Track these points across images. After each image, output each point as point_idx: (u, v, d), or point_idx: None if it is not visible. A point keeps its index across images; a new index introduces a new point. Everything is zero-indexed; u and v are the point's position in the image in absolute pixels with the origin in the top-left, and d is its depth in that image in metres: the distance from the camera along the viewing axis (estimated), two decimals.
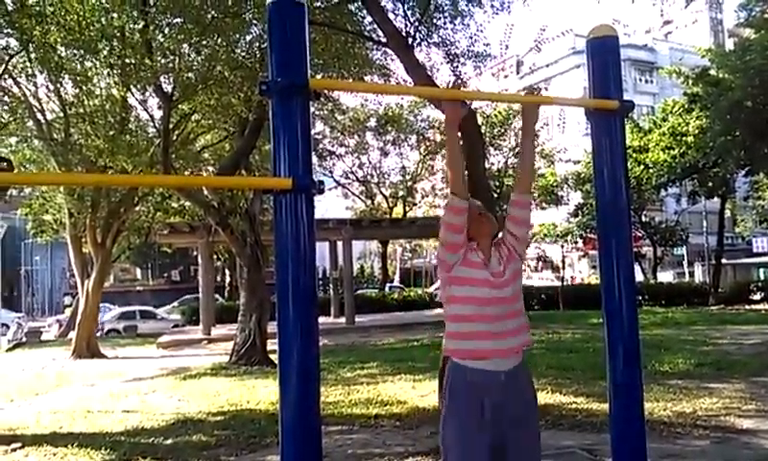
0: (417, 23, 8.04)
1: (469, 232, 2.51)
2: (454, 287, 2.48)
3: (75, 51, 12.05)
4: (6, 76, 13.67)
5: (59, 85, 15.15)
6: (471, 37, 10.68)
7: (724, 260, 29.27)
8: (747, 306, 24.09)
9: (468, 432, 2.37)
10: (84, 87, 13.83)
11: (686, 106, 25.61)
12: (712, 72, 22.66)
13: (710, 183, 26.24)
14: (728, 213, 31.00)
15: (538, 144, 28.76)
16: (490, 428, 2.37)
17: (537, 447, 2.52)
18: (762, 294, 25.35)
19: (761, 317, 18.78)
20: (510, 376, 2.42)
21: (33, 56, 13.06)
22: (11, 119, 15.96)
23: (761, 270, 32.36)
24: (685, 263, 39.50)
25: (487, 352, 2.40)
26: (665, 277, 34.30)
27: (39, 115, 16.24)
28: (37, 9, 10.68)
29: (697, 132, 24.04)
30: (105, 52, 11.51)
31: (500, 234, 2.63)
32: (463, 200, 2.43)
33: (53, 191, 18.18)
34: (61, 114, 16.02)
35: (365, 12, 9.29)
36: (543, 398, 7.39)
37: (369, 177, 32.98)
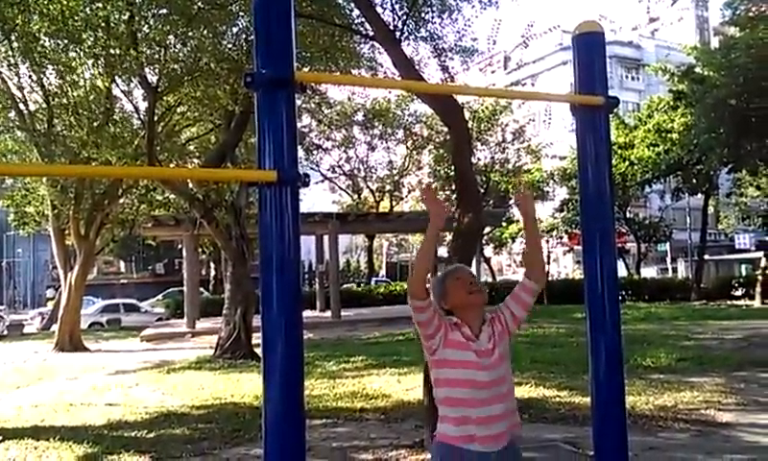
0: (405, 17, 8.01)
1: (456, 303, 2.43)
2: (438, 370, 2.39)
3: (58, 41, 11.89)
4: None
5: (42, 76, 14.95)
6: (459, 32, 10.66)
7: (706, 256, 29.60)
8: (729, 302, 24.41)
9: None
10: (67, 78, 13.66)
11: (672, 103, 25.82)
12: (698, 70, 22.84)
13: (694, 180, 26.49)
14: (711, 210, 31.30)
15: (524, 140, 28.88)
16: None
17: None
18: (744, 290, 25.68)
19: (742, 312, 19.04)
20: (501, 455, 2.33)
21: (15, 45, 12.89)
22: None
23: (743, 266, 32.74)
24: (669, 259, 39.87)
25: (476, 439, 2.30)
26: (649, 272, 34.61)
27: (22, 106, 16.03)
28: None
29: (682, 129, 24.24)
30: (89, 42, 11.36)
31: (498, 307, 2.52)
32: (422, 299, 2.34)
33: (35, 182, 17.95)
34: (45, 105, 15.82)
35: (352, 4, 9.25)
36: (527, 391, 7.45)
37: (355, 171, 32.93)
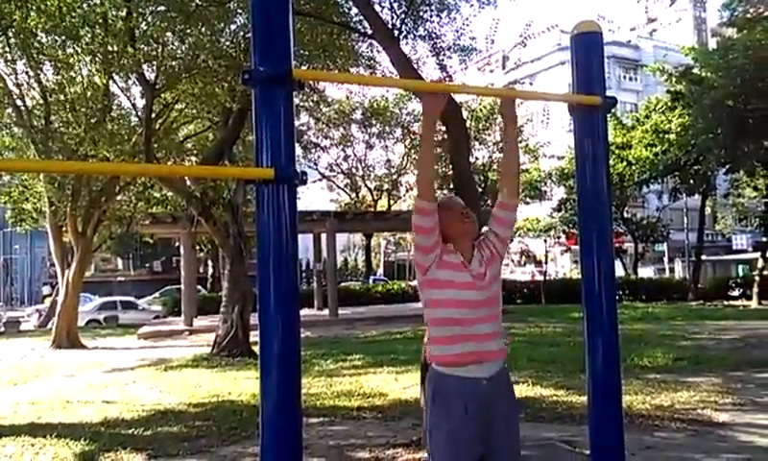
0: (403, 15, 8.01)
1: (450, 232, 2.45)
2: (432, 290, 2.42)
3: (56, 37, 11.86)
4: None
5: (39, 72, 14.91)
6: (458, 31, 10.67)
7: (704, 257, 29.66)
8: (725, 302, 24.48)
9: (454, 439, 2.35)
10: (65, 74, 13.63)
11: (669, 104, 25.87)
12: (695, 71, 22.90)
13: (692, 181, 26.55)
14: (708, 210, 31.39)
15: (522, 140, 28.88)
16: (477, 435, 2.35)
17: (519, 449, 2.51)
18: (741, 290, 25.75)
19: (739, 313, 19.08)
20: (492, 382, 2.38)
21: (12, 41, 12.84)
22: None
23: (740, 267, 32.83)
24: (666, 259, 39.96)
25: (469, 356, 2.35)
26: (646, 272, 34.68)
27: (19, 102, 15.98)
28: None
29: (679, 129, 24.29)
30: (86, 39, 11.34)
31: (483, 231, 2.58)
32: (430, 201, 2.37)
33: (33, 179, 17.91)
34: (42, 101, 15.78)
35: (351, 2, 9.25)
36: (524, 390, 7.46)
37: (353, 169, 32.94)
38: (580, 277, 2.56)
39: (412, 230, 2.45)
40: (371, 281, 32.75)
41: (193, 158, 18.65)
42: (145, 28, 10.98)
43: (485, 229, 2.60)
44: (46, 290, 33.80)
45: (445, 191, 28.03)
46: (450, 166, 6.45)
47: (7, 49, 13.51)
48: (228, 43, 11.29)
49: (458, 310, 2.36)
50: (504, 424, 2.42)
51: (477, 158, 26.27)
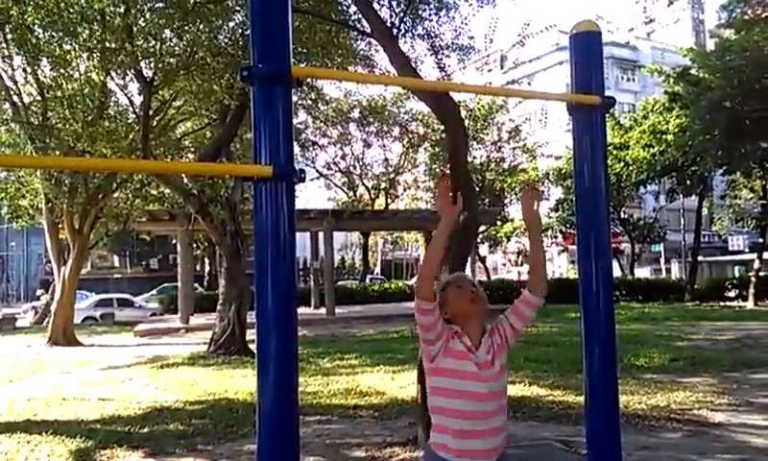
0: (402, 14, 8.00)
1: (458, 312, 2.37)
2: (436, 378, 2.33)
3: (53, 33, 11.82)
4: None
5: (36, 68, 14.86)
6: (456, 30, 10.66)
7: (700, 258, 29.71)
8: (722, 303, 24.53)
9: None
10: (62, 71, 13.58)
11: (667, 104, 25.91)
12: (693, 72, 22.93)
13: (689, 182, 26.60)
14: (705, 211, 31.44)
15: (519, 139, 28.92)
16: None
17: None
18: (737, 291, 25.80)
19: (735, 314, 19.13)
20: None
21: (9, 37, 12.80)
22: None
23: (736, 268, 32.88)
24: (662, 260, 40.04)
25: (465, 453, 2.25)
26: (642, 273, 34.74)
27: (16, 98, 15.94)
28: None
29: (677, 130, 24.33)
30: (84, 35, 11.30)
31: (498, 318, 2.48)
32: (430, 301, 2.29)
33: (29, 175, 17.86)
34: (39, 97, 15.74)
35: (349, 0, 9.25)
36: (521, 390, 7.47)
37: (351, 168, 32.90)
38: (577, 277, 2.55)
39: (415, 325, 2.38)
40: (368, 280, 32.74)
41: (190, 156, 18.62)
42: (143, 24, 10.95)
43: (501, 316, 2.49)
44: (39, 293, 33.58)
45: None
46: (448, 165, 6.44)
47: (4, 45, 13.47)
48: (226, 40, 11.27)
49: (460, 402, 2.27)
50: None
51: (475, 157, 26.26)
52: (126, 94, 15.57)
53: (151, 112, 13.16)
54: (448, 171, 6.49)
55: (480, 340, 2.35)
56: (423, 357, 2.41)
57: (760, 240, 25.56)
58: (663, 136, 25.43)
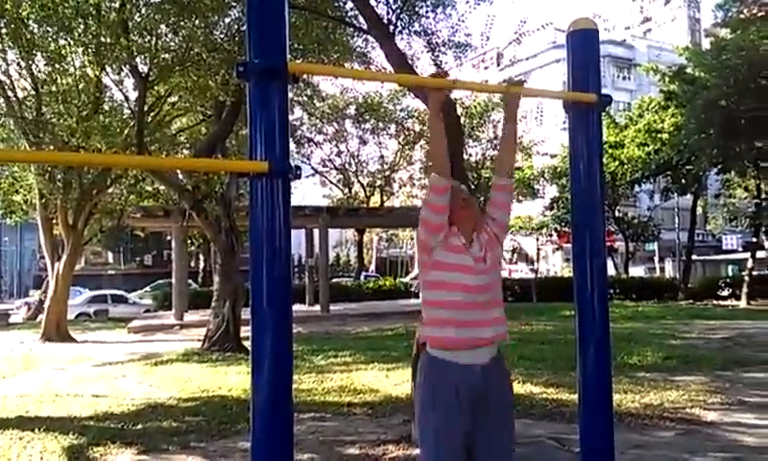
0: (398, 11, 7.99)
1: (452, 217, 2.44)
2: (434, 272, 2.41)
3: (48, 28, 11.76)
4: None
5: (31, 63, 14.78)
6: (453, 27, 10.68)
7: (694, 257, 29.84)
8: (715, 302, 24.63)
9: (443, 427, 2.33)
10: (57, 66, 13.51)
11: (662, 103, 26.00)
12: (689, 70, 23.01)
13: (683, 181, 26.69)
14: (699, 210, 31.56)
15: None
16: (466, 423, 2.33)
17: (511, 442, 2.48)
18: (730, 290, 25.92)
19: (729, 313, 19.20)
20: (486, 369, 2.36)
21: (4, 31, 12.73)
22: None
23: (730, 267, 33.07)
24: (656, 258, 40.16)
25: (465, 342, 2.33)
26: (636, 271, 34.84)
27: (10, 93, 15.85)
28: None
29: (672, 129, 24.41)
30: (79, 30, 11.24)
31: (483, 218, 2.57)
32: (446, 179, 2.38)
33: (23, 170, 17.78)
34: (33, 92, 15.65)
35: None
36: (514, 388, 7.43)
37: (347, 165, 32.89)
38: (571, 275, 2.55)
39: (422, 209, 2.45)
40: (362, 278, 32.74)
41: (185, 152, 18.58)
42: (138, 19, 10.90)
43: (484, 214, 2.59)
44: (32, 293, 33.46)
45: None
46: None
47: None
48: (221, 36, 11.23)
49: (457, 293, 2.35)
50: (495, 414, 2.39)
51: (471, 155, 26.28)
52: (121, 90, 15.53)
53: (146, 108, 13.11)
54: None
55: (471, 238, 2.46)
56: (419, 250, 2.49)
57: (754, 239, 25.67)
58: (658, 135, 25.51)
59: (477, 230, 2.51)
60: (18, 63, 15.37)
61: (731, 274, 30.11)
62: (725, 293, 26.20)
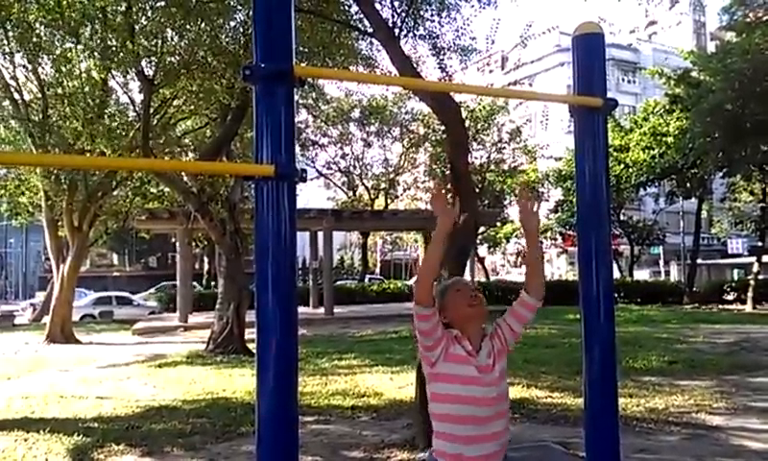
0: (403, 14, 8.00)
1: (457, 316, 2.35)
2: (437, 384, 2.31)
3: (55, 32, 11.82)
4: None
5: (37, 66, 14.85)
6: (458, 31, 10.65)
7: (699, 260, 29.73)
8: (720, 306, 24.53)
9: None
10: (63, 69, 13.58)
11: (668, 107, 25.92)
12: (694, 74, 22.96)
13: (688, 184, 26.61)
14: (704, 214, 31.46)
15: (520, 141, 28.93)
16: None
17: None
18: (735, 294, 25.80)
19: (734, 317, 19.13)
20: None
21: (11, 34, 12.80)
22: None
23: (735, 271, 32.91)
24: (662, 262, 40.04)
25: (471, 459, 2.24)
26: (641, 275, 34.74)
27: (16, 95, 15.93)
28: None
29: (677, 133, 24.33)
30: (86, 34, 11.30)
31: (496, 321, 2.47)
32: (428, 307, 2.27)
33: (29, 173, 17.86)
34: (39, 95, 15.73)
35: (351, 0, 9.24)
36: (519, 392, 7.46)
37: (351, 168, 32.89)
38: (575, 278, 2.54)
39: (415, 326, 2.34)
40: (366, 280, 32.74)
41: (191, 154, 18.63)
42: (144, 23, 10.95)
43: (500, 320, 2.47)
44: (39, 294, 33.56)
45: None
46: (449, 166, 6.45)
47: (5, 42, 13.46)
48: (227, 40, 11.26)
49: (463, 407, 2.26)
50: None
51: (475, 158, 26.27)
52: (126, 92, 15.59)
53: (151, 111, 13.16)
54: (449, 172, 6.48)
55: (480, 344, 2.34)
56: (423, 363, 2.39)
57: (759, 243, 25.55)
58: (663, 139, 25.44)
59: (489, 336, 2.41)
60: (25, 66, 15.45)
61: (736, 278, 29.96)
62: (730, 297, 26.08)
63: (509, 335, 2.43)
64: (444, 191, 2.31)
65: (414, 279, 35.27)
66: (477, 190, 22.80)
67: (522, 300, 2.46)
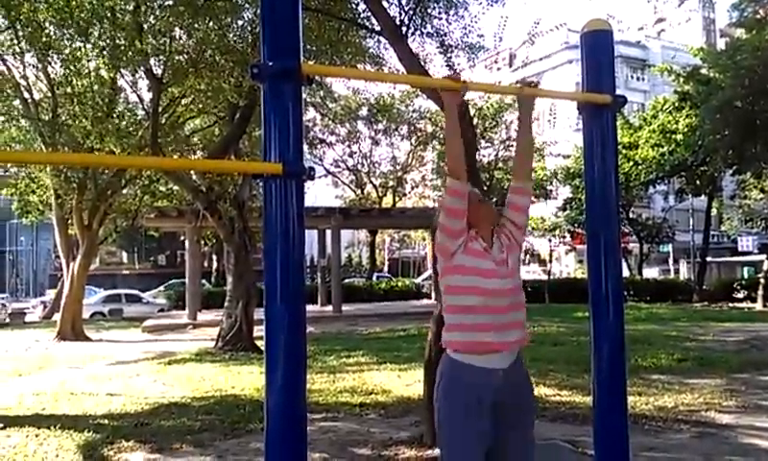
0: (411, 12, 7.99)
1: (470, 219, 2.42)
2: (456, 276, 2.38)
3: (65, 31, 11.89)
4: None
5: (47, 65, 14.95)
6: (465, 28, 10.63)
7: (709, 258, 29.55)
8: (730, 304, 24.38)
9: (464, 429, 2.32)
10: (72, 68, 13.66)
11: (677, 104, 25.75)
12: (703, 71, 22.79)
13: (698, 182, 26.44)
14: (714, 212, 31.25)
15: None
16: (487, 426, 2.32)
17: (532, 446, 2.48)
18: (746, 292, 25.63)
19: (744, 315, 19.01)
20: (508, 373, 2.35)
21: (21, 34, 12.88)
22: None
23: (745, 269, 32.69)
24: (671, 260, 39.84)
25: (490, 346, 2.31)
26: (651, 273, 34.59)
27: (27, 94, 16.03)
28: None
29: (686, 130, 24.18)
30: (95, 33, 11.36)
31: (500, 221, 2.57)
32: (463, 182, 2.36)
33: (39, 171, 17.99)
34: (49, 94, 15.83)
35: None
36: None
37: (359, 166, 32.93)
38: (584, 276, 2.55)
39: (440, 213, 2.42)
40: (374, 278, 32.77)
41: (199, 153, 18.69)
42: (153, 22, 10.99)
43: (502, 218, 2.58)
44: (49, 292, 33.82)
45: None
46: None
47: (15, 41, 13.55)
48: (235, 38, 11.29)
49: (481, 298, 2.33)
50: (517, 418, 2.40)
51: (484, 156, 26.22)
52: (135, 91, 15.65)
53: (160, 109, 13.22)
54: None
55: (491, 241, 2.45)
56: (440, 256, 2.45)
57: None
58: (673, 136, 25.28)
59: (496, 232, 2.50)
60: (35, 66, 15.55)
61: (746, 276, 29.76)
62: (740, 295, 25.91)
63: (514, 230, 2.52)
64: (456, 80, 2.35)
65: (422, 276, 35.28)
66: (485, 188, 22.75)
67: (512, 186, 2.57)
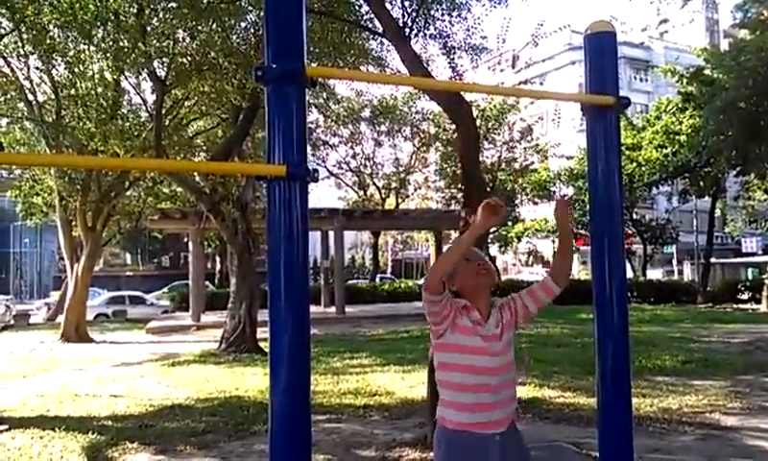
0: (414, 14, 7.99)
1: (466, 285, 2.41)
2: (444, 354, 2.38)
3: (68, 33, 11.93)
4: None
5: (51, 67, 15.00)
6: (468, 30, 10.63)
7: (713, 259, 29.46)
8: (735, 306, 24.30)
9: None
10: (76, 70, 13.71)
11: (680, 105, 25.72)
12: (707, 72, 22.75)
13: (702, 183, 26.38)
14: (718, 213, 31.17)
15: (531, 139, 28.83)
16: None
17: None
18: (750, 294, 25.55)
19: (748, 316, 18.95)
20: (503, 437, 2.34)
21: (25, 36, 12.94)
22: (1, 100, 15.80)
23: (749, 270, 32.61)
24: (675, 261, 39.74)
25: (478, 426, 2.31)
26: (655, 274, 34.50)
27: (31, 97, 16.09)
28: None
29: (690, 131, 24.14)
30: (99, 35, 11.39)
31: (512, 295, 2.52)
32: (437, 294, 2.31)
33: (43, 173, 18.05)
34: (53, 96, 15.88)
35: (362, 1, 9.25)
36: (531, 391, 7.44)
37: (362, 167, 32.90)
38: (587, 277, 2.57)
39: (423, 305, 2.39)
40: (378, 280, 32.76)
41: (202, 154, 18.73)
42: (156, 24, 11.02)
43: (516, 294, 2.52)
44: (53, 293, 33.91)
45: (454, 190, 27.96)
46: (460, 165, 6.46)
47: (19, 44, 13.60)
48: (239, 41, 11.31)
49: (469, 376, 2.32)
50: None
51: (486, 157, 26.21)
52: (139, 93, 15.70)
53: (163, 111, 13.25)
54: (459, 171, 6.48)
55: (489, 313, 2.41)
56: (431, 334, 2.45)
57: None
58: (676, 137, 25.25)
59: (501, 306, 2.46)
60: (39, 68, 15.60)
61: (750, 277, 29.68)
62: (745, 296, 25.82)
63: (522, 312, 2.48)
64: (500, 204, 2.29)
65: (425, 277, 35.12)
66: (488, 189, 22.74)
67: (546, 284, 2.51)
